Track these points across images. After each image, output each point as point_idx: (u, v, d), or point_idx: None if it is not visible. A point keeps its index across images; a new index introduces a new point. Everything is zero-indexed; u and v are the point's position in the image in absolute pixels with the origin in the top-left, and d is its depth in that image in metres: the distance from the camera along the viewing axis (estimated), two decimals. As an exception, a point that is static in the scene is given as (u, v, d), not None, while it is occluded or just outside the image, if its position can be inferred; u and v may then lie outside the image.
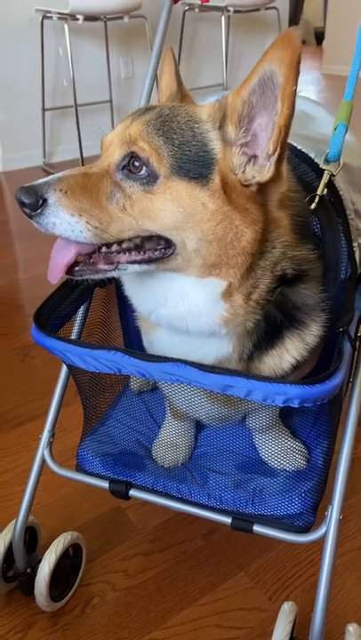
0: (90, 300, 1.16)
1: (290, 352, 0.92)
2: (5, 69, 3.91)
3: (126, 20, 3.88)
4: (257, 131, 0.79)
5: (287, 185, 0.85)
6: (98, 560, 1.34)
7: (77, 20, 3.64)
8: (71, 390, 1.17)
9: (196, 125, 0.80)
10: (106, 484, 1.09)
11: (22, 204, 0.79)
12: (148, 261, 0.84)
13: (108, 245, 0.83)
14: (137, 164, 0.79)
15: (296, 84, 0.72)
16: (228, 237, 0.80)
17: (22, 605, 1.24)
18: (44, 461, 1.17)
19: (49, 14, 3.71)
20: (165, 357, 0.85)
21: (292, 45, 0.70)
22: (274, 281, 0.86)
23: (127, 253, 0.83)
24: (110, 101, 4.43)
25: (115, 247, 0.83)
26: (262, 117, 0.77)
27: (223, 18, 4.28)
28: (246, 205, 0.80)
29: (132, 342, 1.31)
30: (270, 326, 0.90)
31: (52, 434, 1.18)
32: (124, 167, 0.81)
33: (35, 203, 0.78)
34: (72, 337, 1.14)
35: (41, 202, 0.78)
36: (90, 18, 3.75)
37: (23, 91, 4.01)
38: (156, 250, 0.83)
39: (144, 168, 0.79)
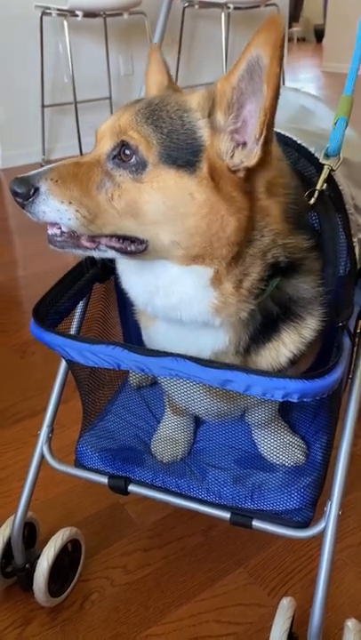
0: (89, 296, 1.16)
1: (287, 345, 0.92)
2: (4, 66, 3.90)
3: (126, 16, 3.87)
4: (246, 117, 0.79)
5: (277, 171, 0.85)
6: (97, 556, 1.34)
7: (77, 16, 3.63)
8: (70, 386, 1.17)
9: (186, 114, 0.81)
10: (105, 480, 1.09)
11: (15, 194, 0.81)
12: (124, 252, 0.85)
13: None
14: (127, 152, 0.81)
15: (280, 65, 0.74)
16: (212, 229, 0.81)
17: (21, 601, 1.24)
18: (42, 457, 1.17)
19: (48, 10, 3.71)
20: (164, 352, 0.85)
21: (275, 28, 0.72)
22: (266, 269, 0.86)
23: (107, 238, 0.85)
24: (110, 98, 4.43)
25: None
26: (251, 104, 0.78)
27: (223, 14, 4.27)
28: (233, 193, 0.81)
29: (132, 337, 1.31)
30: (266, 319, 0.90)
31: (51, 430, 1.18)
32: (114, 157, 0.82)
33: (27, 192, 0.80)
34: (71, 332, 1.13)
35: (33, 191, 0.80)
36: (89, 14, 3.74)
37: (22, 87, 4.00)
38: (131, 244, 0.85)
39: (134, 156, 0.80)
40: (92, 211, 0.81)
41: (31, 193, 0.80)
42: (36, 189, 0.80)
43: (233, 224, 0.81)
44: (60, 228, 0.84)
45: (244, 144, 0.80)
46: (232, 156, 0.80)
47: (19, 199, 0.81)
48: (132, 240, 0.84)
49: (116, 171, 0.82)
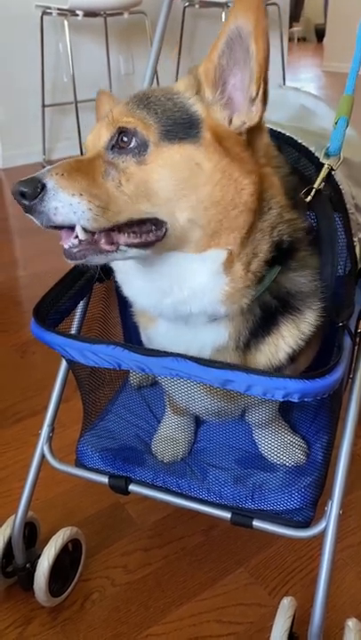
0: (89, 295, 1.16)
1: (285, 339, 0.92)
2: (5, 66, 3.90)
3: (126, 16, 3.87)
4: (232, 91, 0.82)
5: (267, 138, 0.88)
6: (97, 555, 1.34)
7: (77, 15, 3.63)
8: (70, 386, 1.17)
9: (175, 96, 0.83)
10: (105, 479, 1.09)
11: (22, 195, 0.77)
12: (145, 245, 0.83)
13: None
14: (125, 138, 0.80)
15: (266, 22, 0.76)
16: (228, 196, 0.81)
17: (22, 600, 1.24)
18: (43, 457, 1.17)
19: (48, 10, 3.71)
20: (165, 352, 0.85)
21: None
22: (271, 248, 0.87)
23: (125, 234, 0.82)
24: (110, 98, 4.42)
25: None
26: (235, 76, 0.81)
27: (224, 14, 4.27)
28: (242, 154, 0.82)
29: (132, 337, 1.31)
30: (265, 312, 0.90)
31: (52, 429, 1.18)
32: (113, 147, 0.82)
33: (34, 189, 0.77)
34: (71, 332, 1.13)
35: (40, 187, 0.77)
36: (90, 14, 3.74)
37: (23, 87, 4.00)
38: (149, 232, 0.83)
39: (133, 139, 0.80)
40: (104, 199, 0.79)
41: (38, 190, 0.77)
42: (43, 186, 0.77)
43: (249, 187, 0.82)
44: (77, 237, 0.80)
45: (238, 112, 0.82)
46: (230, 122, 0.82)
47: (25, 201, 0.78)
48: (151, 227, 0.82)
49: (118, 158, 0.81)
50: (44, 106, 4.08)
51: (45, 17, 3.79)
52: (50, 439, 1.17)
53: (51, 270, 2.60)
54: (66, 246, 0.81)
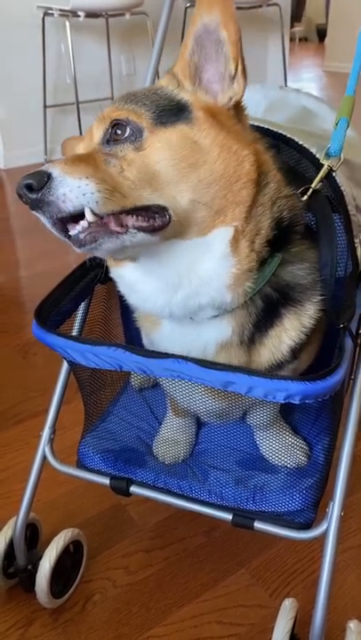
0: (90, 297, 1.16)
1: (288, 332, 0.92)
2: (7, 66, 3.90)
3: (128, 16, 3.87)
4: (208, 83, 0.87)
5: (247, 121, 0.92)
6: (99, 557, 1.34)
7: (79, 16, 3.64)
8: (72, 387, 1.17)
9: (159, 90, 0.87)
10: (107, 481, 1.09)
11: (29, 188, 0.76)
12: (153, 230, 0.82)
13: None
14: (119, 131, 0.82)
15: (232, 7, 0.82)
16: (230, 169, 0.83)
17: (23, 602, 1.24)
18: (44, 458, 1.17)
19: (50, 11, 3.71)
20: (166, 353, 0.85)
21: None
22: (273, 225, 0.88)
23: (133, 217, 0.81)
24: (112, 98, 4.42)
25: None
26: (208, 71, 0.86)
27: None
28: (236, 127, 0.86)
29: (133, 339, 1.31)
30: (267, 304, 0.91)
31: (53, 430, 1.18)
32: (108, 140, 0.83)
33: (40, 179, 0.76)
34: (73, 333, 1.14)
35: (46, 177, 0.76)
36: (91, 14, 3.74)
37: (25, 88, 4.00)
38: (155, 217, 0.82)
39: (128, 128, 0.82)
40: (110, 182, 0.79)
41: (45, 179, 0.76)
42: (49, 175, 0.77)
43: (249, 157, 0.84)
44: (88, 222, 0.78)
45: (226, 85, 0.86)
46: (216, 100, 0.86)
47: (33, 194, 0.76)
48: (155, 212, 0.82)
49: (115, 149, 0.82)
50: (45, 106, 4.09)
51: (47, 18, 3.79)
52: (51, 440, 1.17)
53: (52, 271, 2.61)
54: (74, 232, 0.79)
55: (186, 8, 4.33)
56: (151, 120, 0.82)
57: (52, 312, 1.01)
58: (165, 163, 0.81)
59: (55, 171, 0.78)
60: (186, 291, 0.87)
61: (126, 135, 0.81)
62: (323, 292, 0.93)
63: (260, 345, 0.93)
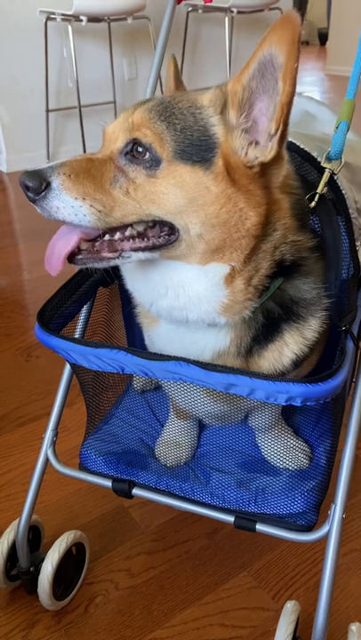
0: (93, 300, 1.16)
1: (289, 346, 0.92)
2: (9, 70, 3.92)
3: (130, 21, 3.89)
4: (257, 116, 0.80)
5: (287, 170, 0.86)
6: (101, 559, 1.34)
7: (81, 21, 3.65)
8: (74, 390, 1.18)
9: (198, 111, 0.81)
10: (109, 483, 1.10)
11: (26, 188, 0.79)
12: (152, 248, 0.84)
13: (112, 232, 0.83)
14: (140, 149, 0.80)
15: (297, 61, 0.73)
16: (232, 220, 0.81)
17: (26, 604, 1.24)
18: (47, 460, 1.17)
19: (53, 15, 3.73)
20: (168, 356, 0.85)
21: (291, 25, 0.72)
22: (273, 265, 0.87)
23: (131, 240, 0.84)
24: (114, 102, 4.44)
25: (118, 235, 0.83)
26: (262, 102, 0.79)
27: (227, 18, 4.28)
28: (249, 187, 0.81)
29: (136, 342, 1.31)
30: (268, 319, 0.91)
31: (56, 433, 1.18)
32: (127, 153, 0.82)
33: (38, 186, 0.78)
34: (75, 336, 1.14)
35: (44, 185, 0.78)
36: (93, 19, 3.76)
37: (27, 92, 4.02)
38: (160, 236, 0.83)
39: (147, 153, 0.80)
40: (108, 204, 0.80)
41: (43, 187, 0.78)
42: (48, 184, 0.78)
43: (253, 218, 0.82)
44: (79, 247, 0.82)
45: (256, 141, 0.81)
46: (246, 153, 0.81)
47: (30, 194, 0.79)
48: (164, 229, 0.83)
49: (129, 167, 0.82)
50: (48, 110, 4.10)
51: (49, 22, 3.81)
52: (54, 443, 1.18)
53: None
54: (65, 252, 0.82)
55: (188, 12, 4.35)
56: (173, 152, 0.79)
57: (55, 315, 1.02)
58: (173, 197, 0.80)
59: (55, 182, 0.78)
60: (170, 302, 0.88)
61: (144, 158, 0.80)
62: (327, 306, 0.93)
63: (259, 357, 0.93)
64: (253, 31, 4.87)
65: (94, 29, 4.10)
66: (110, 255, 0.84)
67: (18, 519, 1.19)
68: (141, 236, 0.84)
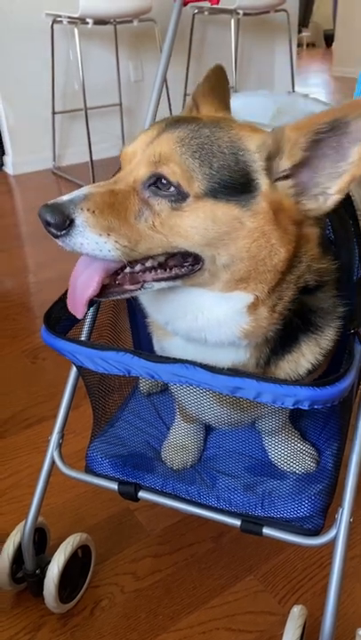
0: (99, 303, 1.16)
1: (306, 357, 0.92)
2: (16, 73, 3.94)
3: (136, 23, 3.89)
4: (318, 169, 0.78)
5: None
6: (107, 562, 1.34)
7: (87, 23, 3.65)
8: (81, 392, 1.17)
9: (241, 153, 0.77)
10: (115, 486, 1.10)
11: (47, 224, 0.75)
12: (175, 278, 0.82)
13: (133, 264, 0.81)
14: (165, 181, 0.77)
15: None
16: (261, 255, 0.79)
17: (31, 607, 1.24)
18: (53, 463, 1.17)
19: (59, 18, 3.74)
20: (174, 359, 0.85)
21: None
22: (296, 292, 0.86)
23: (153, 272, 0.82)
24: (120, 105, 4.45)
25: (138, 267, 0.81)
26: (327, 158, 0.77)
27: (233, 21, 4.28)
28: (288, 226, 0.79)
29: (142, 344, 1.31)
30: (286, 330, 0.90)
31: (62, 435, 1.18)
32: (150, 185, 0.78)
33: (61, 223, 0.75)
34: (82, 338, 1.14)
35: (68, 222, 0.75)
36: (100, 21, 3.76)
37: (33, 94, 4.03)
38: (182, 266, 0.82)
39: (172, 187, 0.77)
40: (133, 239, 0.77)
41: (66, 224, 0.75)
42: (72, 221, 0.75)
43: (282, 254, 0.80)
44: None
45: (307, 191, 0.79)
46: (298, 202, 0.79)
47: (52, 229, 0.76)
48: (188, 260, 0.81)
49: (153, 199, 0.78)
50: (54, 112, 4.11)
51: (56, 25, 3.82)
52: (60, 445, 1.18)
53: (61, 277, 2.61)
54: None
55: (194, 14, 4.35)
56: (203, 190, 0.75)
57: (62, 317, 1.01)
58: (202, 231, 0.77)
59: (79, 219, 0.75)
60: (189, 324, 0.87)
61: (169, 192, 0.77)
62: (342, 315, 0.92)
63: (276, 367, 0.92)
64: (259, 33, 4.87)
65: (100, 32, 4.11)
66: (132, 287, 0.82)
67: (24, 521, 1.19)
68: (162, 266, 0.82)
